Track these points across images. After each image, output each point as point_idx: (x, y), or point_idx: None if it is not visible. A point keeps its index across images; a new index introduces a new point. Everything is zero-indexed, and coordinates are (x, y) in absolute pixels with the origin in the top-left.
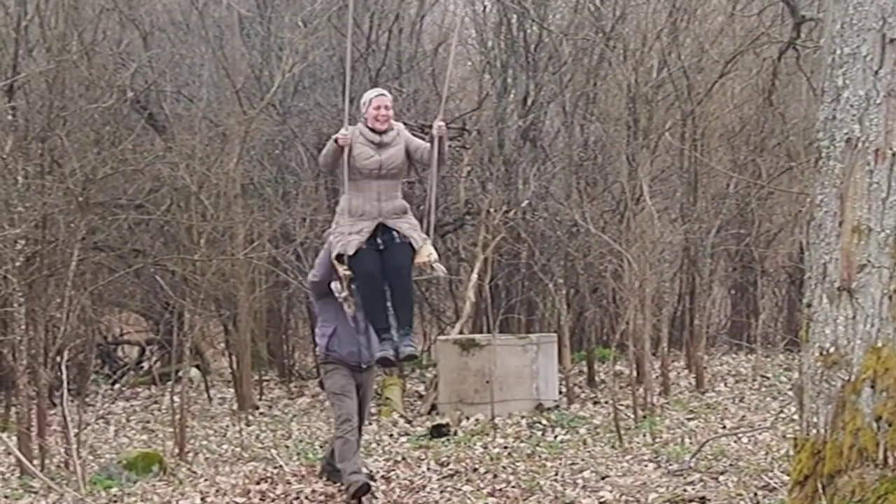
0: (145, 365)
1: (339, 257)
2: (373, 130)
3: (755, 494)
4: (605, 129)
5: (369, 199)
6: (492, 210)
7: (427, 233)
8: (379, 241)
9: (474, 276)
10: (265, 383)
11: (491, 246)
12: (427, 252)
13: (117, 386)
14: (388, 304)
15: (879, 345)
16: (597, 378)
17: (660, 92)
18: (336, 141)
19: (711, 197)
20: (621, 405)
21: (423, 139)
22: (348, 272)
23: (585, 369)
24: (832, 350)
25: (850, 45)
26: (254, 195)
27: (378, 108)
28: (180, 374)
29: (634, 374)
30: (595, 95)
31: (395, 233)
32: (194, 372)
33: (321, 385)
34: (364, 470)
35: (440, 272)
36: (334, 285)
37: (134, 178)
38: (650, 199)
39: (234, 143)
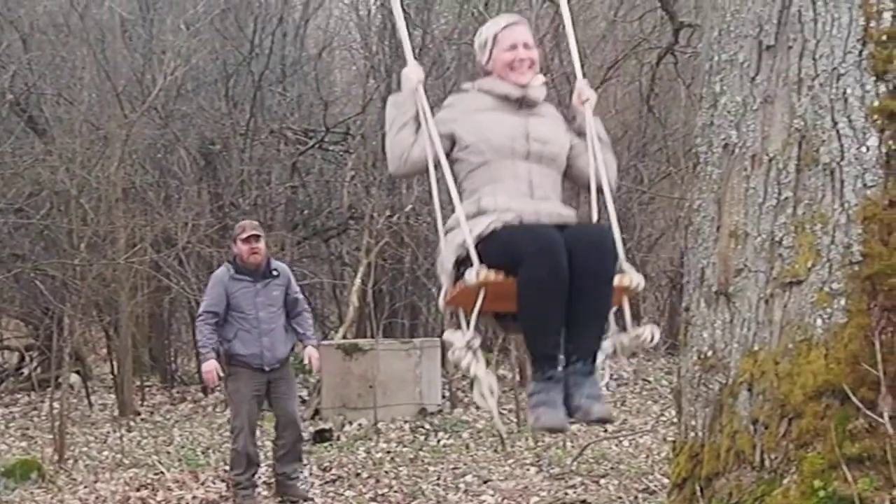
0: (25, 371)
1: (460, 262)
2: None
3: (635, 497)
4: None
5: (515, 194)
6: (375, 215)
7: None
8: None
9: (358, 280)
10: (147, 389)
11: (374, 251)
12: (633, 276)
13: None
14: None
15: (756, 348)
16: None
17: None
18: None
19: None
20: (504, 409)
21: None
22: (488, 274)
23: None
24: (710, 354)
25: (728, 52)
26: (135, 199)
27: (514, 46)
28: (60, 379)
29: (517, 378)
30: None
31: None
32: (75, 377)
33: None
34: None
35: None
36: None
37: (13, 182)
38: None
39: (116, 146)
